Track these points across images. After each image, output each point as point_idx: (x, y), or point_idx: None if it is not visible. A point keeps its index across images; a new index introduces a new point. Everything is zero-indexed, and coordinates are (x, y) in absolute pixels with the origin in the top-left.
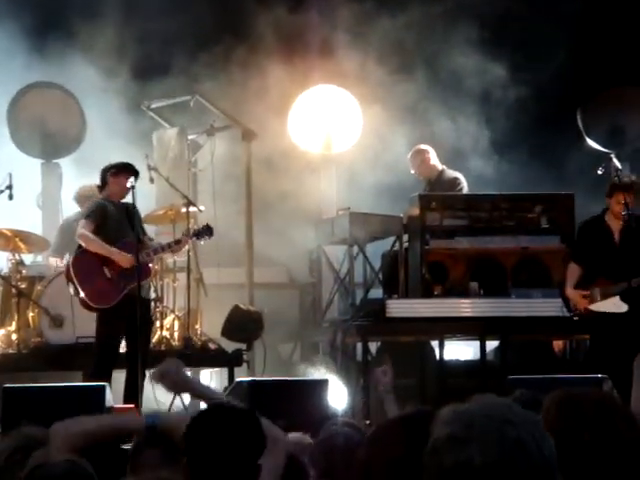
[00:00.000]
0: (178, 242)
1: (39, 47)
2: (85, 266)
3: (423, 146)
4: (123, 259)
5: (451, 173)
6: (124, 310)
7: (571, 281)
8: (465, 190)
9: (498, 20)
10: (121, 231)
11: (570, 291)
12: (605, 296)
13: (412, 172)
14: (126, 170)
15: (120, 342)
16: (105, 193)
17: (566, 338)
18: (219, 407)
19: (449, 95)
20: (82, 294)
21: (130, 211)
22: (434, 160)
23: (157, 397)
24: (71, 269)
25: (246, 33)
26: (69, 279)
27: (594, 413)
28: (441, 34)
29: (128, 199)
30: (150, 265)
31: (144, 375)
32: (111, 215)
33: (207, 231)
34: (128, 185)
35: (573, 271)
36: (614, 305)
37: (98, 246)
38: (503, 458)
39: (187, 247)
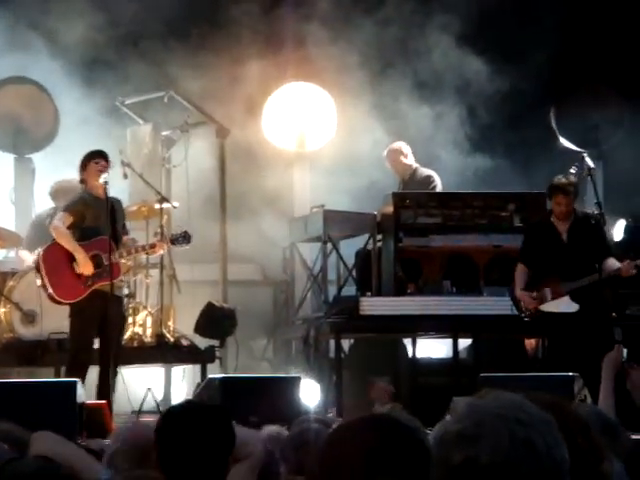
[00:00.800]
0: (153, 246)
1: (9, 40)
2: (55, 258)
3: (398, 144)
4: (84, 264)
5: (424, 171)
6: (95, 306)
7: (520, 282)
8: (439, 188)
9: (475, 18)
10: (100, 227)
11: (519, 292)
12: (556, 296)
13: (387, 166)
14: (91, 157)
15: (93, 338)
16: (87, 187)
17: (538, 336)
18: (189, 403)
19: (424, 93)
20: (48, 286)
21: (114, 207)
22: (409, 158)
23: (129, 395)
24: (40, 260)
25: (220, 29)
26: (37, 269)
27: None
28: (418, 31)
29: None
30: (127, 262)
31: (116, 372)
32: (91, 209)
33: (184, 239)
34: (101, 181)
35: (521, 272)
36: (565, 305)
37: (67, 241)
38: (511, 458)
39: (162, 252)
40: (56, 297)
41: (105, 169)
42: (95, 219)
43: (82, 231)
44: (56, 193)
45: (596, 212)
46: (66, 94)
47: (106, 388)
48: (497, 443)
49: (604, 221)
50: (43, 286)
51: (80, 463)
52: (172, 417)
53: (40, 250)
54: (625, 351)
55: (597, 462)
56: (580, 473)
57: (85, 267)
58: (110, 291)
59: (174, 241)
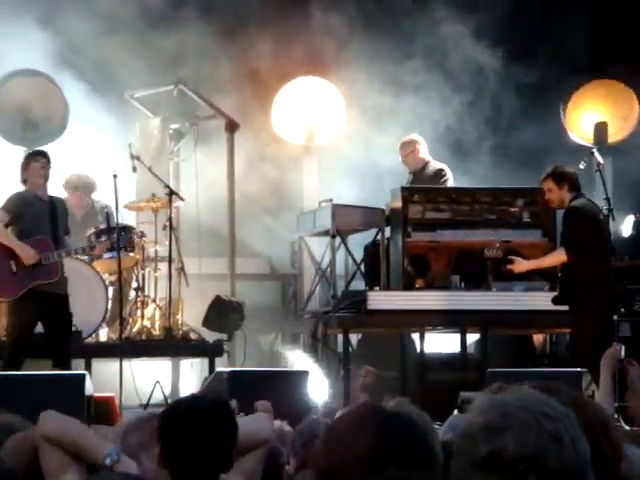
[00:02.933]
0: (92, 248)
1: (18, 32)
2: None
3: (414, 136)
4: (26, 255)
5: (436, 164)
6: (32, 307)
7: None
8: (450, 181)
9: (485, 13)
10: (39, 226)
11: None
12: None
13: (400, 161)
14: (32, 157)
15: (30, 334)
16: (28, 186)
17: (546, 332)
18: (192, 397)
19: (434, 87)
20: None
21: (54, 206)
22: (423, 152)
23: (137, 388)
24: None
25: (231, 24)
26: None
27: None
28: (430, 25)
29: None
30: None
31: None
32: (30, 208)
33: (124, 248)
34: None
35: None
36: None
37: (3, 237)
38: (538, 450)
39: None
40: None
41: (45, 167)
42: (35, 218)
43: (21, 230)
44: (67, 185)
45: (605, 208)
46: (75, 87)
47: None
48: (524, 435)
49: (613, 217)
50: None
51: (87, 441)
52: (173, 413)
53: None
54: (623, 348)
55: (617, 461)
56: (601, 472)
57: (27, 257)
58: (50, 291)
59: (114, 245)
